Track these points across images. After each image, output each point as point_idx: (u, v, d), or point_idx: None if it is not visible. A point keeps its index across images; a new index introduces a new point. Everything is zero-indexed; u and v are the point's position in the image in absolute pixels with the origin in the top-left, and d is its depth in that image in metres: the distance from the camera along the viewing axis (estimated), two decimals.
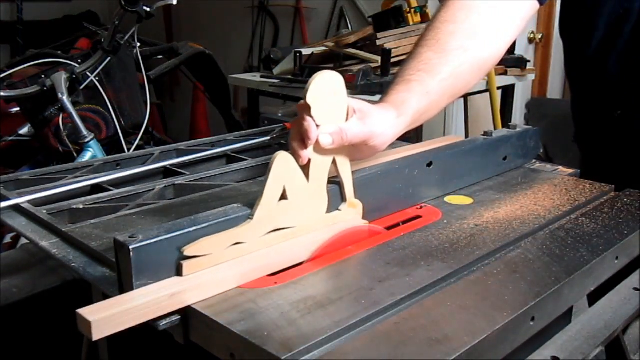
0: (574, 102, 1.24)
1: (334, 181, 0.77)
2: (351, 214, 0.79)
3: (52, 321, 0.98)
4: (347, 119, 0.76)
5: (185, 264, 0.62)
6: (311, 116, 0.72)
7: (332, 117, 0.74)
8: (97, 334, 0.55)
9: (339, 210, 0.78)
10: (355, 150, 0.79)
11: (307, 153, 0.72)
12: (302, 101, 0.72)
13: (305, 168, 0.72)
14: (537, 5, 1.02)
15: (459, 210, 0.89)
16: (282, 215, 0.70)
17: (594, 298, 0.77)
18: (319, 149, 0.73)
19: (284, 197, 0.70)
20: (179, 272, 0.62)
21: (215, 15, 4.38)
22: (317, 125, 0.72)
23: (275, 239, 0.70)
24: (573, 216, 0.88)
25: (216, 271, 0.64)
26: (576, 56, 1.20)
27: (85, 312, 0.55)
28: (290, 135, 0.75)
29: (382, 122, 0.80)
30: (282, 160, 0.69)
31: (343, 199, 0.78)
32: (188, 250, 0.62)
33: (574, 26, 1.17)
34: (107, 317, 0.56)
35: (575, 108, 1.24)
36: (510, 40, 1.00)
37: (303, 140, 0.72)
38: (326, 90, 0.72)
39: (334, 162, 0.76)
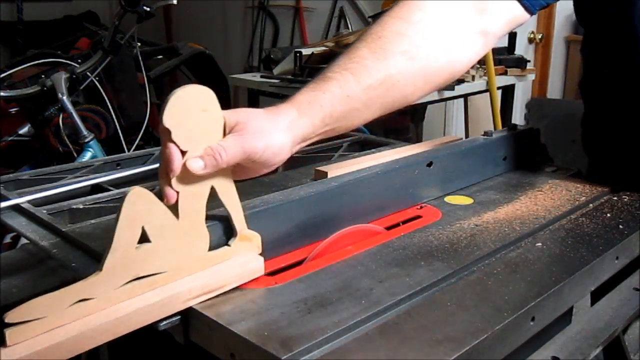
0: (590, 115, 1.13)
1: (218, 215, 0.67)
2: (244, 249, 0.67)
3: None
4: (224, 137, 0.64)
5: (9, 332, 0.51)
6: (173, 142, 0.60)
7: (203, 139, 0.62)
8: None
9: (228, 245, 0.67)
10: (242, 171, 0.68)
11: (175, 188, 0.61)
12: (161, 125, 0.60)
13: (174, 203, 0.61)
14: (519, 18, 0.88)
15: (459, 210, 0.89)
16: (142, 261, 0.59)
17: (593, 298, 0.77)
18: (190, 177, 0.61)
19: (145, 239, 0.59)
20: (2, 343, 0.51)
21: (215, 15, 4.38)
22: (183, 152, 0.61)
23: (137, 288, 0.59)
24: (573, 216, 0.88)
25: (51, 338, 0.53)
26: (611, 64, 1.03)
27: None
28: (159, 169, 0.63)
29: (269, 130, 0.67)
30: (136, 197, 0.57)
31: (233, 232, 0.67)
32: (10, 317, 0.51)
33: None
34: None
35: (591, 121, 1.13)
36: (476, 57, 0.86)
37: (167, 173, 0.60)
38: (189, 108, 0.61)
39: (212, 189, 0.64)
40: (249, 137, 0.65)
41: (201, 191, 0.63)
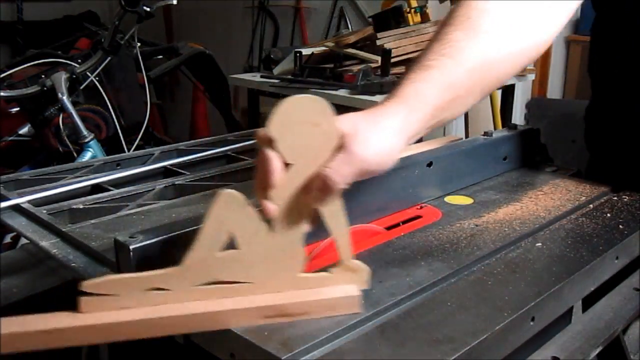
0: (597, 103, 1.12)
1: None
2: (345, 280, 0.61)
3: None
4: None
5: (84, 300, 0.54)
6: (276, 152, 0.56)
7: (310, 153, 0.58)
8: None
9: (329, 272, 0.61)
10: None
11: (274, 201, 0.57)
12: (262, 130, 0.57)
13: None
14: None
15: (459, 210, 0.89)
16: (225, 266, 0.57)
17: (593, 298, 0.77)
18: (291, 192, 0.58)
19: (233, 245, 0.57)
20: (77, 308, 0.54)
21: (215, 15, 4.38)
22: (287, 164, 0.57)
23: (216, 291, 0.57)
24: (573, 216, 0.88)
25: (120, 316, 0.54)
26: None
27: None
28: (255, 177, 0.58)
29: (378, 139, 0.61)
30: (227, 201, 0.55)
31: (339, 260, 0.62)
32: (87, 285, 0.53)
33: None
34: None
35: (597, 109, 1.13)
36: (558, 29, 0.81)
37: (265, 186, 0.56)
38: (300, 119, 0.57)
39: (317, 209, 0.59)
40: (359, 152, 0.59)
41: (303, 209, 0.58)
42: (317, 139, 0.58)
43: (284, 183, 0.57)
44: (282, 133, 0.56)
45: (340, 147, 0.59)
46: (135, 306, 0.55)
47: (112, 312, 0.54)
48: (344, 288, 0.60)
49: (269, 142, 0.56)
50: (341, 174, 0.58)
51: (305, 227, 0.59)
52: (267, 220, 0.58)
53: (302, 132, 0.57)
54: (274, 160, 0.56)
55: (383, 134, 0.62)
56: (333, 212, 0.59)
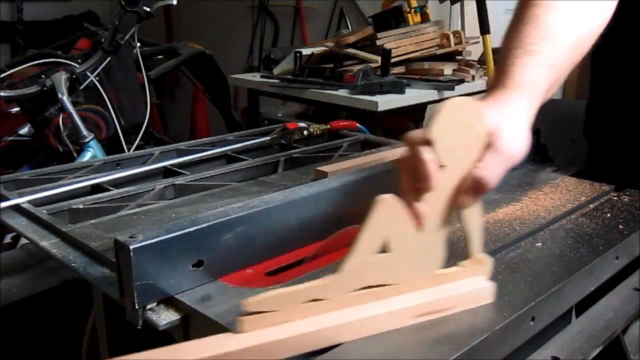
0: (596, 95, 1.14)
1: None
2: (474, 272, 0.63)
3: (52, 321, 0.98)
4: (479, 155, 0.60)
5: (243, 320, 0.52)
6: (432, 154, 0.56)
7: (461, 154, 0.59)
8: None
9: (460, 265, 0.64)
10: None
11: (427, 203, 0.57)
12: (415, 133, 0.58)
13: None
14: None
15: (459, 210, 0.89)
16: (378, 270, 0.57)
17: (594, 298, 0.77)
18: (440, 193, 0.59)
19: (384, 249, 0.57)
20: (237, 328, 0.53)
21: (215, 15, 4.38)
22: (441, 166, 0.57)
23: (366, 296, 0.57)
24: (573, 216, 0.88)
25: (280, 332, 0.53)
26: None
27: None
28: (401, 179, 0.60)
29: (518, 132, 0.63)
30: (386, 208, 0.55)
31: (469, 253, 0.64)
32: (248, 304, 0.52)
33: None
34: None
35: (596, 102, 1.14)
36: (610, 14, 0.83)
37: (419, 189, 0.57)
38: (458, 121, 0.58)
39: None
40: (507, 149, 0.61)
41: (450, 209, 0.60)
42: (469, 139, 0.59)
43: (438, 185, 0.58)
44: (442, 135, 0.57)
45: (488, 146, 0.60)
46: (293, 319, 0.54)
47: (272, 329, 0.53)
48: (476, 280, 0.62)
49: (424, 144, 0.57)
50: (493, 172, 0.59)
51: (449, 226, 0.61)
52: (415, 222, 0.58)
53: (458, 133, 0.58)
54: (432, 163, 0.56)
55: (521, 128, 0.64)
56: (473, 208, 0.61)
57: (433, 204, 0.58)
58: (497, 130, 0.61)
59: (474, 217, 0.62)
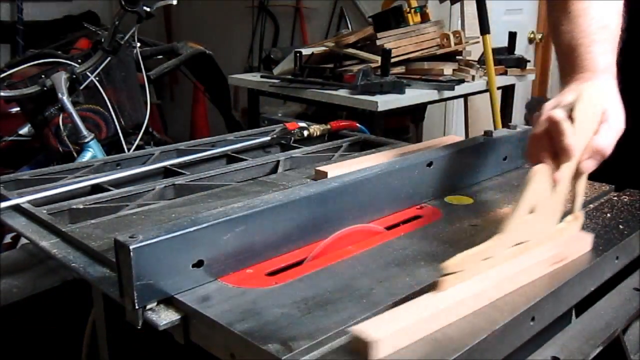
0: None
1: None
2: (575, 227, 0.77)
3: (52, 321, 0.98)
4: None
5: (443, 280, 0.62)
6: (572, 130, 0.70)
7: (588, 129, 0.73)
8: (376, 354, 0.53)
9: (564, 221, 0.76)
10: None
11: (564, 170, 0.71)
12: (557, 113, 0.71)
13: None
14: None
15: (459, 210, 0.89)
16: (527, 228, 0.69)
17: (594, 298, 0.77)
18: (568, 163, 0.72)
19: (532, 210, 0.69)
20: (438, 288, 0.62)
21: (215, 15, 4.38)
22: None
23: (516, 251, 0.69)
24: None
25: (469, 287, 0.62)
26: None
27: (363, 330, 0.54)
28: (532, 149, 0.74)
29: (620, 109, 0.77)
30: (541, 176, 0.69)
31: (571, 211, 0.77)
32: (446, 266, 0.62)
33: None
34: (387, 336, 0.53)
35: None
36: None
37: (556, 154, 0.70)
38: (593, 104, 0.73)
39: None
40: (616, 123, 0.75)
41: (572, 175, 0.74)
42: (592, 117, 0.74)
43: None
44: (583, 115, 0.71)
45: (601, 122, 0.74)
46: (472, 277, 0.64)
47: (466, 286, 0.62)
48: (578, 233, 0.77)
49: (567, 122, 0.70)
50: (609, 141, 0.73)
51: (567, 189, 0.74)
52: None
53: (590, 113, 0.73)
54: (574, 139, 0.70)
55: (619, 104, 0.78)
56: (584, 175, 0.75)
57: (565, 171, 0.72)
58: (607, 108, 0.75)
59: (582, 183, 0.76)
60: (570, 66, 0.83)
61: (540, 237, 0.71)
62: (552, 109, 0.74)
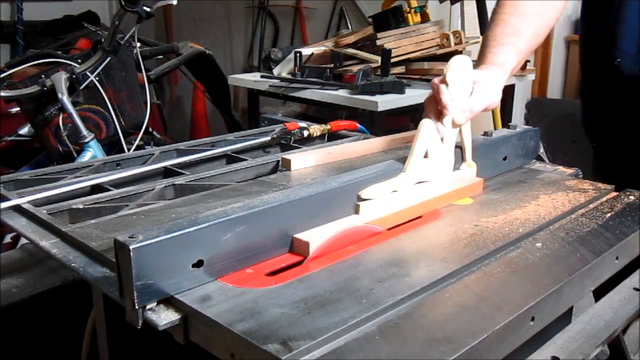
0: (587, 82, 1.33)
1: (457, 145, 0.95)
2: (469, 173, 0.97)
3: (52, 321, 0.98)
4: (471, 93, 0.92)
5: (361, 205, 0.80)
6: (448, 91, 0.89)
7: (461, 92, 0.91)
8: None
9: (460, 169, 0.96)
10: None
11: (445, 124, 0.89)
12: (436, 80, 0.90)
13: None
14: None
15: (459, 210, 0.89)
16: (425, 169, 0.88)
17: (596, 297, 0.77)
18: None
19: (426, 156, 0.88)
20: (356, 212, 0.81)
21: (216, 15, 4.38)
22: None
23: (421, 189, 0.88)
24: (573, 216, 0.88)
25: (379, 212, 0.81)
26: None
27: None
28: (427, 109, 0.92)
29: (496, 86, 0.97)
30: (428, 126, 0.88)
31: (463, 159, 0.96)
32: (362, 193, 0.80)
33: None
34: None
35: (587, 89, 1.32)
36: (559, 14, 1.16)
37: (440, 112, 0.89)
38: (461, 71, 0.90)
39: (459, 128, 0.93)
40: (488, 92, 0.95)
41: (455, 128, 0.92)
42: (465, 83, 0.92)
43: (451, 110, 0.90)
44: (453, 80, 0.89)
45: (474, 90, 0.93)
46: (385, 204, 0.83)
47: (374, 211, 0.81)
48: (473, 177, 0.97)
49: (445, 84, 0.89)
50: (477, 106, 0.93)
51: (455, 140, 0.93)
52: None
53: (460, 79, 0.91)
54: (449, 98, 0.89)
55: (494, 85, 0.97)
56: (466, 127, 0.95)
57: (447, 124, 0.90)
58: (481, 81, 0.95)
59: (467, 134, 0.95)
60: (479, 57, 1.05)
61: (438, 180, 0.90)
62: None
